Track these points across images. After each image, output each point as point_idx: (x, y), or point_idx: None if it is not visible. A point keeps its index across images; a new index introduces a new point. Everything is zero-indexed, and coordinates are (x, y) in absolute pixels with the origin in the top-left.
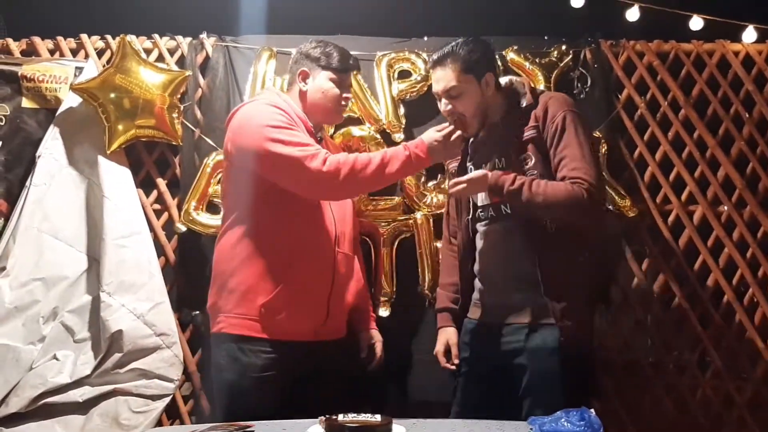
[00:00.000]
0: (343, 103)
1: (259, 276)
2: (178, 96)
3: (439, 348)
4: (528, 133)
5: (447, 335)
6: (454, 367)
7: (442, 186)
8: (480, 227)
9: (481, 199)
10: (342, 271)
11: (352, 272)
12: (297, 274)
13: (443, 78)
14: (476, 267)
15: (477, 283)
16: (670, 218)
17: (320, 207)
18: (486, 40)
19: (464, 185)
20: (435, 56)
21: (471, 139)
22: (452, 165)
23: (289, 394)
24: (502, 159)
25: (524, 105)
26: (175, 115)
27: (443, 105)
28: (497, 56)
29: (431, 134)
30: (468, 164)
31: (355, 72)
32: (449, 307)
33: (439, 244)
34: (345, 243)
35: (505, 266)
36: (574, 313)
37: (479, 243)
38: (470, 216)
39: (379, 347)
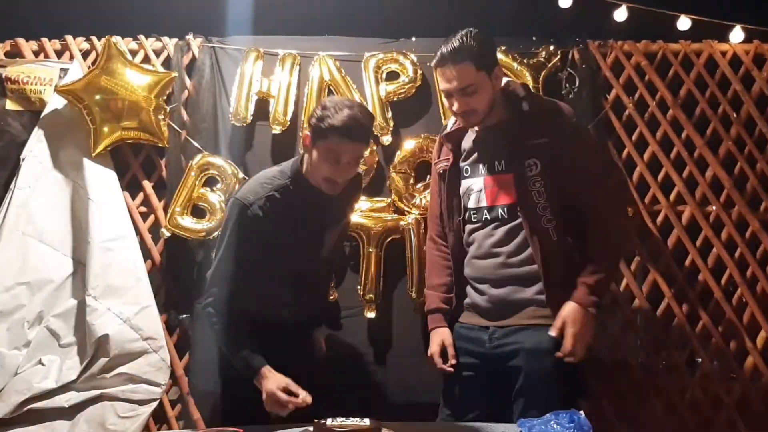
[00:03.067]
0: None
1: None
2: (164, 97)
3: (435, 349)
4: (536, 141)
5: (442, 336)
6: (452, 369)
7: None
8: (472, 229)
9: (474, 201)
10: None
11: None
12: None
13: (459, 75)
14: (468, 271)
15: (469, 288)
16: (659, 218)
17: None
18: (488, 31)
19: (578, 350)
20: (445, 51)
21: (464, 140)
22: (440, 166)
23: None
24: (502, 162)
25: (526, 109)
26: (161, 116)
27: (456, 104)
28: None
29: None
30: (461, 164)
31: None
32: (441, 307)
33: None
34: None
35: (501, 269)
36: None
37: (472, 246)
38: (462, 217)
39: None
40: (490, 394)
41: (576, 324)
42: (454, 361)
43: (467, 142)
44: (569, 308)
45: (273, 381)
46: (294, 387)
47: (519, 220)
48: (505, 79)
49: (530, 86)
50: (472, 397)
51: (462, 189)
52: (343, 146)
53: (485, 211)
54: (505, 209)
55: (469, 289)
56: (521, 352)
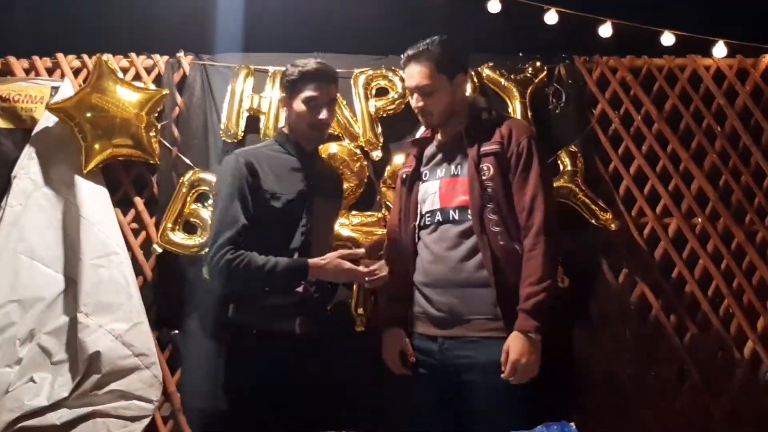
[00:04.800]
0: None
1: None
2: (156, 114)
3: (390, 354)
4: (491, 147)
5: (394, 337)
6: (410, 372)
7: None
8: (425, 234)
9: (429, 204)
10: None
11: None
12: None
13: (417, 75)
14: (418, 277)
15: (420, 295)
16: (646, 231)
17: None
18: (460, 41)
19: (518, 376)
20: (410, 52)
21: (428, 148)
22: (403, 171)
23: None
24: (458, 166)
25: (485, 117)
26: (152, 133)
27: (414, 101)
28: (473, 73)
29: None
30: (422, 169)
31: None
32: (394, 309)
33: None
34: None
35: (452, 275)
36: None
37: (423, 251)
38: (417, 223)
39: None
40: (450, 408)
41: (515, 351)
42: (413, 359)
43: (430, 149)
44: (511, 336)
45: (328, 261)
46: (349, 253)
47: (469, 223)
48: (470, 96)
49: (518, 101)
50: (432, 410)
51: (420, 194)
52: (318, 89)
53: (438, 213)
54: (457, 211)
55: (419, 296)
56: (474, 367)
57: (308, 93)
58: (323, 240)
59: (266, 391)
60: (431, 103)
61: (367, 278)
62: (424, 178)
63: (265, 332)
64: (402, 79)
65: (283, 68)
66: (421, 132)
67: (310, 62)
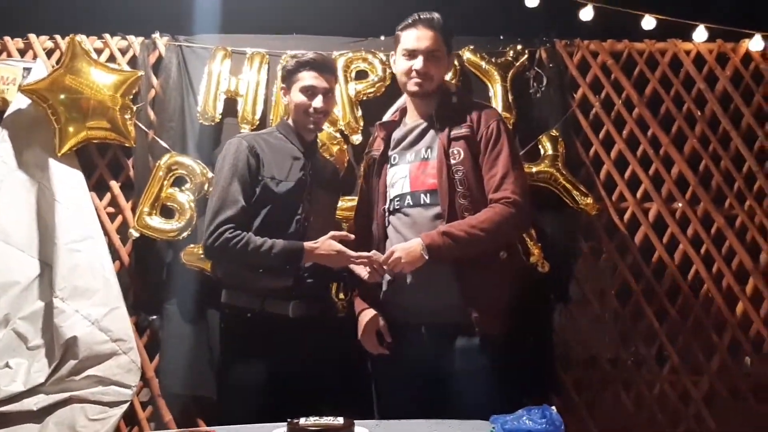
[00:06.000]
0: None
1: None
2: (131, 97)
3: (366, 335)
4: (461, 131)
5: (369, 316)
6: (387, 351)
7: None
8: (395, 219)
9: (398, 188)
10: None
11: None
12: None
13: (426, 38)
14: None
15: (384, 280)
16: (626, 215)
17: None
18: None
19: (403, 262)
20: (417, 16)
21: (397, 131)
22: (371, 154)
23: None
24: (428, 150)
25: (455, 101)
26: (127, 116)
27: (417, 63)
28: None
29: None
30: (391, 153)
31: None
32: (366, 293)
33: None
34: None
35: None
36: (493, 313)
37: (393, 235)
38: (386, 207)
39: None
40: (419, 394)
41: (403, 248)
42: (389, 339)
43: (399, 133)
44: (412, 240)
45: (321, 243)
46: (340, 234)
47: (439, 208)
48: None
49: (499, 85)
50: (400, 397)
51: (389, 177)
52: (316, 78)
53: (408, 197)
54: (428, 195)
55: (389, 280)
56: (446, 352)
57: (304, 82)
58: (320, 230)
59: (257, 374)
60: (434, 69)
61: (367, 270)
62: (393, 162)
63: (259, 315)
64: (382, 62)
65: (262, 50)
66: (389, 115)
67: (308, 54)
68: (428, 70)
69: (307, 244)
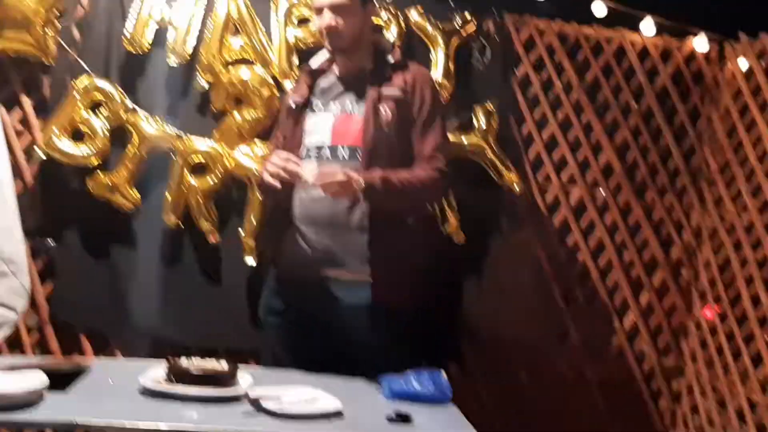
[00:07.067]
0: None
1: None
2: (57, 13)
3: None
4: (393, 91)
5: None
6: (279, 186)
7: None
8: None
9: (318, 139)
10: None
11: None
12: None
13: None
14: (296, 212)
15: (295, 231)
16: (549, 196)
17: None
18: None
19: (337, 185)
20: None
21: (324, 79)
22: (293, 99)
23: None
24: (356, 104)
25: (391, 61)
26: (50, 32)
27: (325, 19)
28: (398, 13)
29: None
30: (314, 100)
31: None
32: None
33: None
34: None
35: (332, 217)
36: (394, 275)
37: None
38: (301, 153)
39: None
40: (314, 345)
41: (340, 173)
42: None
43: (326, 81)
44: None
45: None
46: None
47: (357, 164)
48: (375, 35)
49: (442, 51)
50: (296, 346)
51: (308, 125)
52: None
53: (327, 149)
54: (347, 150)
55: (296, 233)
56: (344, 309)
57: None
58: None
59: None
60: (343, 24)
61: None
62: (315, 109)
63: None
64: None
65: None
66: (318, 61)
67: None
68: (337, 26)
69: None
